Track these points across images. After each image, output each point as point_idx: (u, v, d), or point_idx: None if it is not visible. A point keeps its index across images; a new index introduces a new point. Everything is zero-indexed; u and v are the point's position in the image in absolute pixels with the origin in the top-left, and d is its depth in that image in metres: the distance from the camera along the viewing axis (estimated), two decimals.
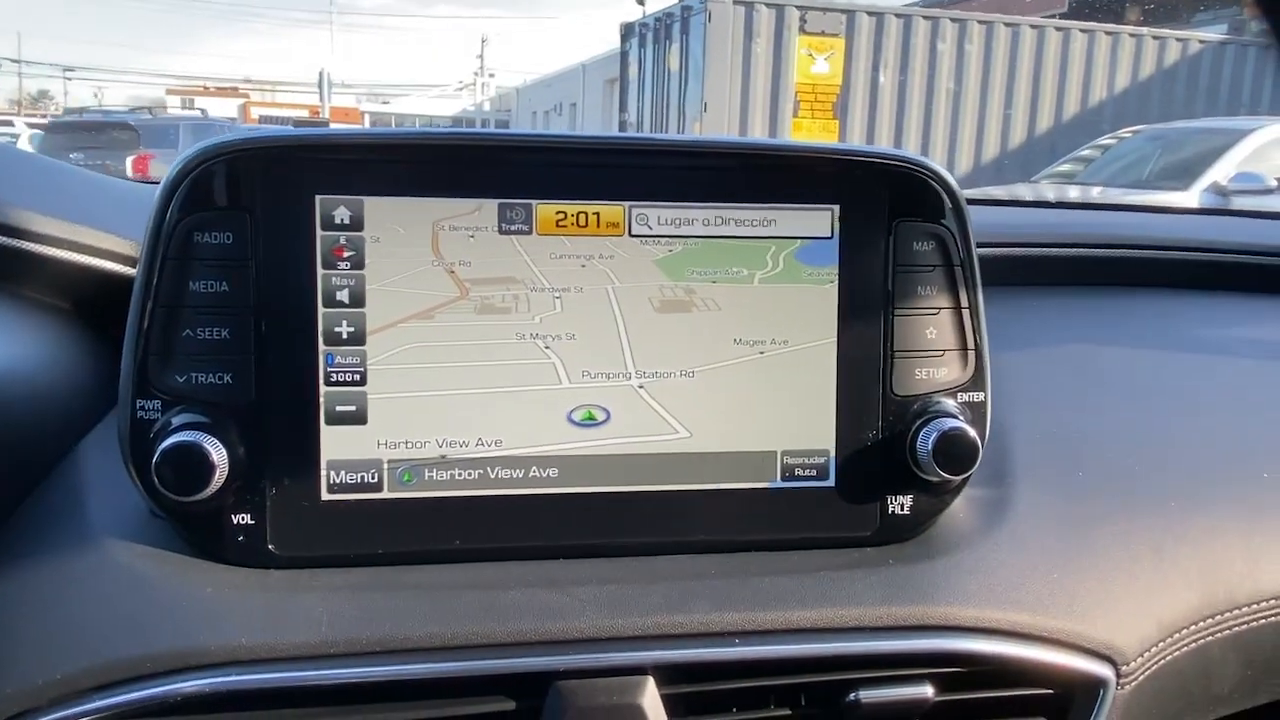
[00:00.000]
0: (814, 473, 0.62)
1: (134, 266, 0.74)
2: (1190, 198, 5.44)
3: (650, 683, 0.55)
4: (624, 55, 11.82)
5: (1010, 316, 0.87)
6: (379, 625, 0.53)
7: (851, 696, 0.56)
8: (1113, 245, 0.97)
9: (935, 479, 0.61)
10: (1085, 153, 7.10)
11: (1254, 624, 0.66)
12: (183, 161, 0.56)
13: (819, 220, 0.61)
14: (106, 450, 0.65)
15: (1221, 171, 5.77)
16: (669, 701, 0.55)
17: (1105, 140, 7.23)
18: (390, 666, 0.52)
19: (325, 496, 0.58)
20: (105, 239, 0.74)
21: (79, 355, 0.73)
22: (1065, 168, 7.02)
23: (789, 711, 0.57)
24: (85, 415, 0.69)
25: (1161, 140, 6.61)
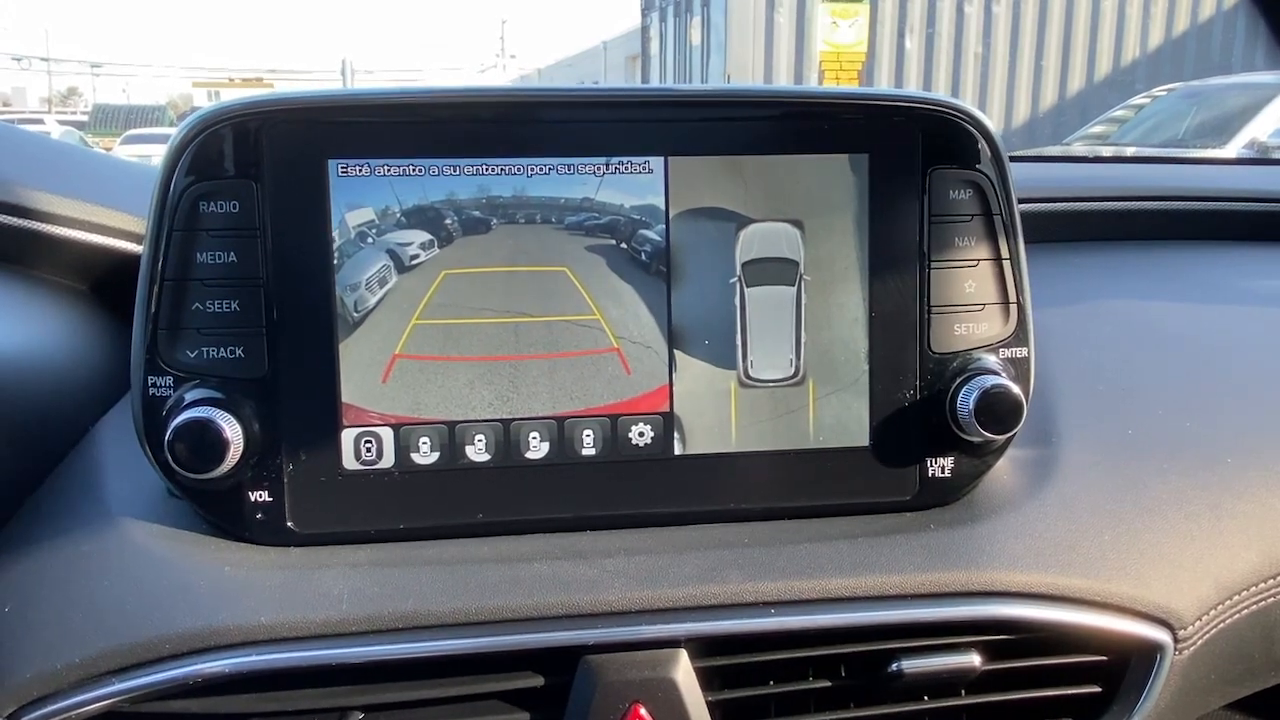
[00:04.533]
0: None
1: None
2: (1228, 155, 5.29)
3: (684, 655, 0.53)
4: (645, 30, 11.73)
5: (1053, 272, 0.83)
6: (401, 601, 0.52)
7: (894, 666, 0.54)
8: (1158, 198, 0.93)
9: (977, 439, 0.59)
10: (1118, 113, 6.93)
11: None
12: (187, 127, 0.54)
13: (850, 167, 0.58)
14: (123, 430, 0.64)
15: (1260, 127, 5.60)
16: (703, 674, 0.53)
17: (1139, 100, 7.04)
18: (413, 644, 0.51)
19: (344, 471, 0.56)
20: (119, 218, 0.73)
21: (96, 335, 0.72)
22: (1098, 129, 6.86)
23: (829, 683, 0.55)
24: (103, 395, 0.68)
25: (1197, 98, 6.42)
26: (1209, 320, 0.81)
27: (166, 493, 0.58)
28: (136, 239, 0.73)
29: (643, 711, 0.52)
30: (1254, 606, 0.61)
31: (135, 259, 0.73)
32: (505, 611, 0.52)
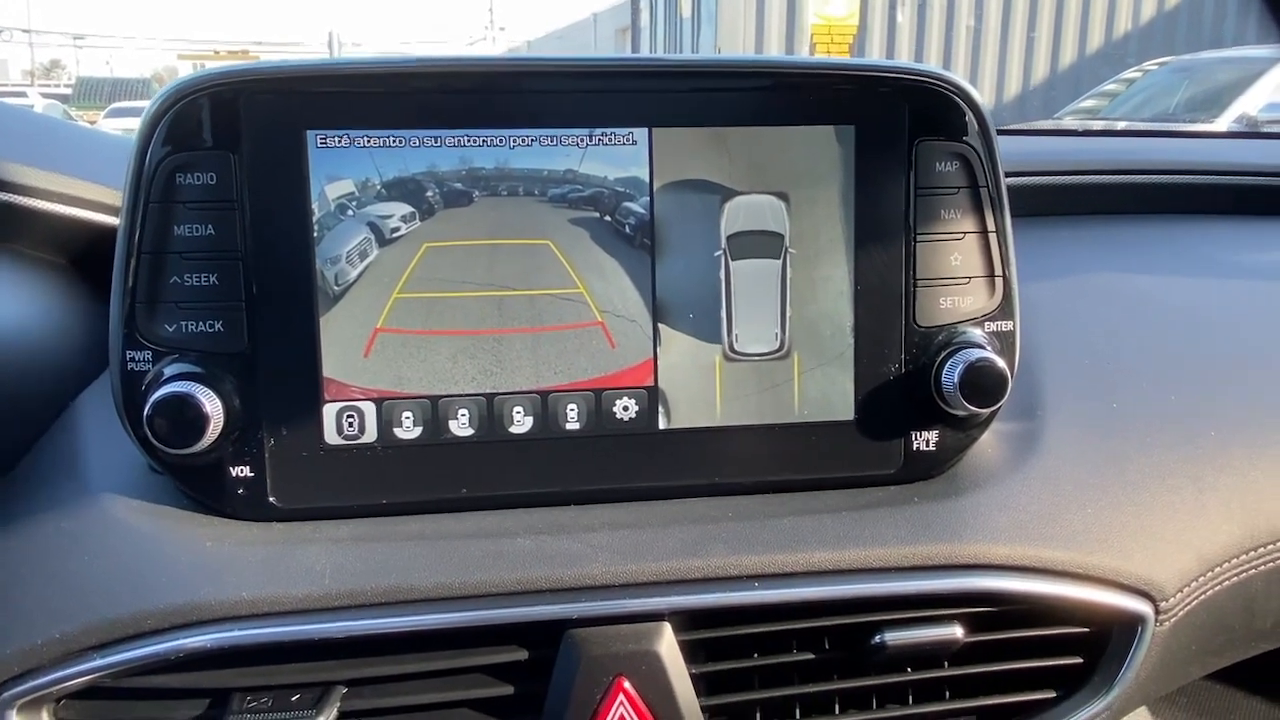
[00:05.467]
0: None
1: None
2: (1218, 129, 5.28)
3: (668, 629, 0.53)
4: (634, 2, 11.61)
5: (1039, 247, 0.83)
6: (384, 576, 0.52)
7: (877, 639, 0.54)
8: (1144, 171, 0.93)
9: (962, 413, 0.58)
10: (1109, 87, 6.91)
11: None
12: (163, 97, 0.53)
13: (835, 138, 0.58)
14: (103, 405, 0.63)
15: (1251, 102, 5.58)
16: (687, 648, 0.53)
17: (1130, 74, 7.02)
18: (397, 618, 0.51)
19: (326, 446, 0.56)
20: (98, 191, 0.72)
21: (75, 310, 0.71)
22: (1089, 103, 6.84)
23: (812, 655, 0.55)
24: (82, 370, 0.67)
25: (1187, 72, 6.40)
26: (1195, 295, 0.81)
27: (147, 468, 0.58)
28: (114, 211, 0.72)
29: (627, 685, 0.52)
30: (1234, 579, 0.61)
31: (113, 232, 0.72)
32: (489, 586, 0.52)
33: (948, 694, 0.57)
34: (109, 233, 0.72)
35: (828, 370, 0.59)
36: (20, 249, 0.72)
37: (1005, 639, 0.57)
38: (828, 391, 0.59)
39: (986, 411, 0.58)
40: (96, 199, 0.71)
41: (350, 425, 0.56)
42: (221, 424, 0.53)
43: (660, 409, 0.58)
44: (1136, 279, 0.81)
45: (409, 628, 0.51)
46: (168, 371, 0.54)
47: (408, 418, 0.56)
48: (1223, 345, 0.73)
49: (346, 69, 0.55)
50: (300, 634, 0.50)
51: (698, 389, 0.58)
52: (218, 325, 0.54)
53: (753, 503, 0.58)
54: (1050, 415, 0.65)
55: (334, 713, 0.50)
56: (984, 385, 0.57)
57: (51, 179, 0.70)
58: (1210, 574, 0.60)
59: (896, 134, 0.58)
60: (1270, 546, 0.62)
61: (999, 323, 0.60)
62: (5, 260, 0.71)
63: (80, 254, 0.74)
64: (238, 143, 0.53)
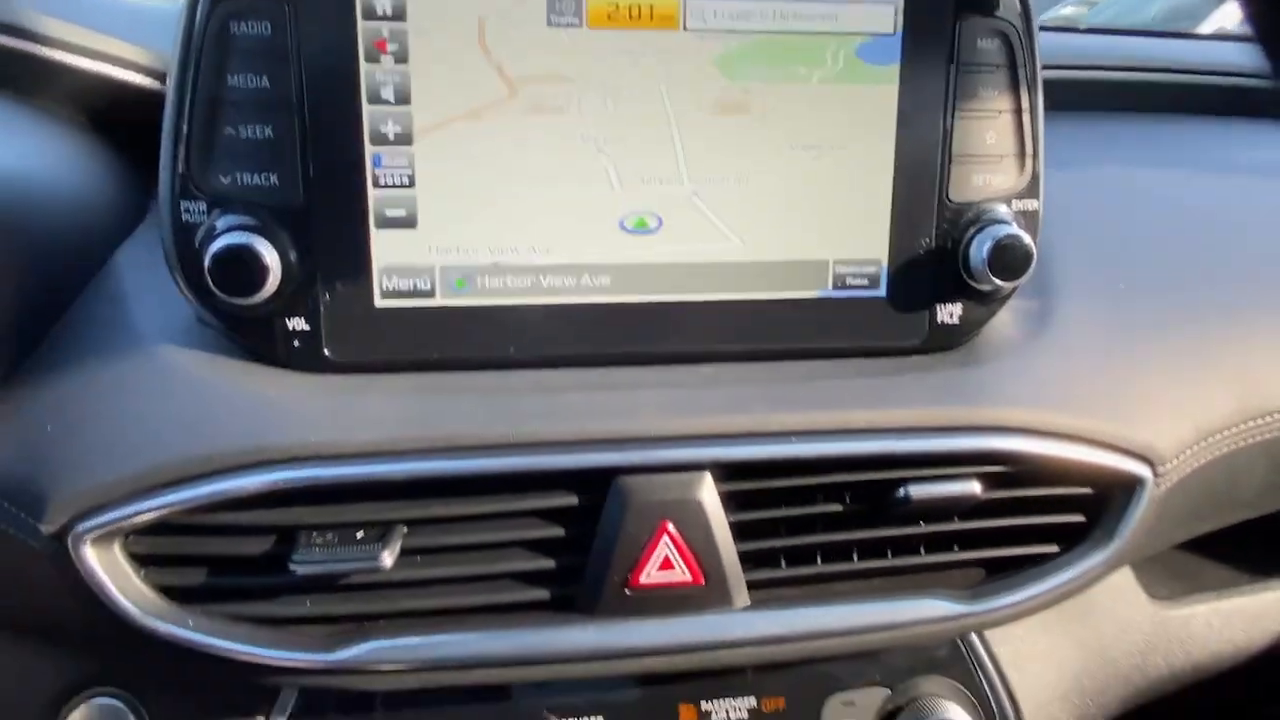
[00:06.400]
0: (865, 282, 0.62)
1: (154, 78, 0.71)
2: (1235, 32, 5.25)
3: (709, 478, 0.56)
4: None
5: (1052, 139, 0.85)
6: (443, 424, 0.54)
7: (900, 492, 0.58)
8: (1155, 70, 0.95)
9: (987, 287, 0.61)
10: None
11: None
12: None
13: (882, 15, 0.58)
14: (142, 264, 0.64)
15: (1228, 14, 5.58)
16: (726, 498, 0.57)
17: None
18: (458, 461, 0.53)
19: (379, 303, 0.57)
20: (125, 48, 0.71)
21: (98, 169, 0.71)
22: (1068, 10, 6.77)
23: (840, 508, 0.59)
24: (111, 230, 0.67)
25: None
26: (1206, 191, 0.83)
27: (196, 321, 0.59)
28: (141, 70, 0.71)
29: (671, 528, 0.55)
30: (1226, 449, 0.66)
31: (138, 91, 0.71)
32: (544, 435, 0.54)
33: (956, 547, 0.61)
34: (133, 91, 0.71)
35: (863, 243, 0.61)
36: (41, 103, 0.71)
37: (1014, 497, 0.61)
38: (862, 265, 0.62)
39: (1011, 285, 0.61)
40: (122, 55, 0.70)
41: (404, 282, 0.57)
42: (279, 276, 0.54)
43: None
44: (1149, 173, 0.84)
45: (469, 471, 0.53)
46: (222, 224, 0.54)
47: (456, 279, 0.58)
48: (1223, 235, 0.77)
49: None
50: (365, 475, 0.52)
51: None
52: (273, 178, 0.55)
53: (787, 368, 0.61)
54: (1064, 294, 0.68)
55: (397, 550, 0.53)
56: (1011, 261, 0.60)
57: (75, 31, 0.69)
58: (1205, 443, 0.64)
59: (942, 8, 0.59)
60: (1257, 421, 0.67)
61: (1025, 201, 0.63)
62: (30, 115, 0.70)
63: (102, 112, 0.73)
64: None
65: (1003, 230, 0.60)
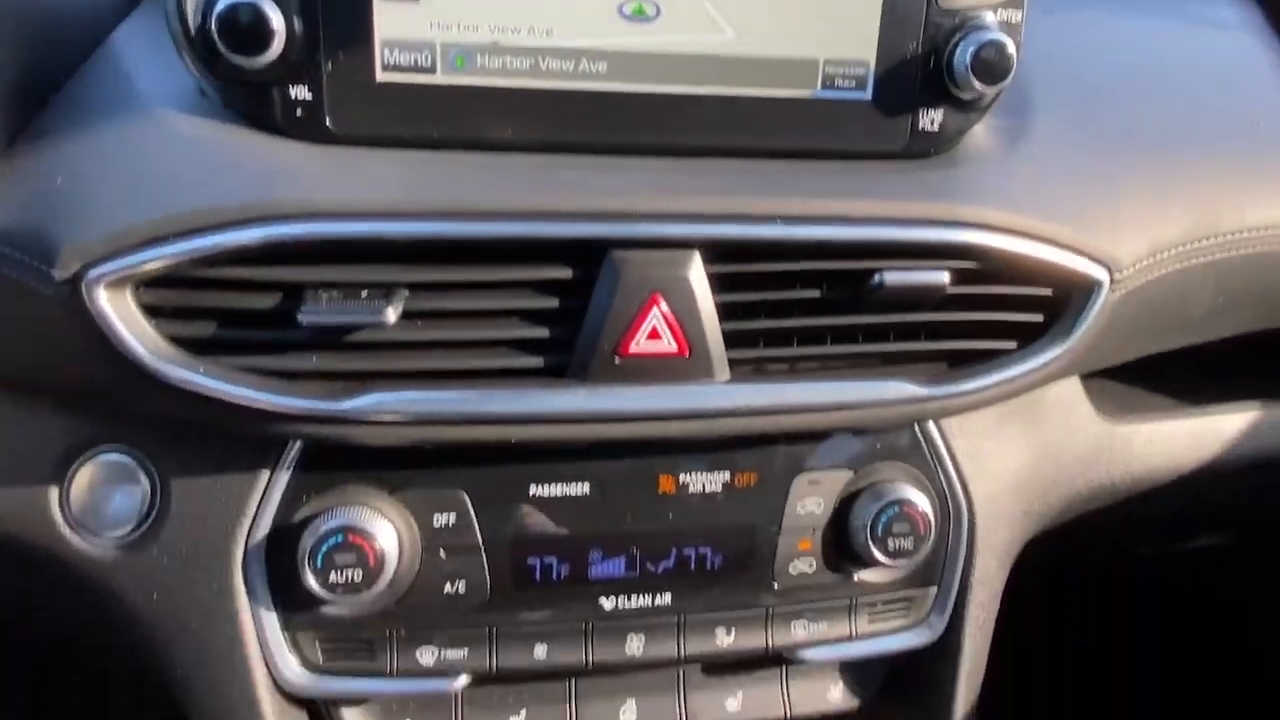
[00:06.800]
0: (853, 84, 0.64)
1: None
2: None
3: (698, 257, 0.59)
4: None
5: None
6: (446, 190, 0.56)
7: (875, 279, 0.61)
8: None
9: (969, 95, 0.64)
10: None
11: (1231, 253, 0.72)
12: None
13: None
14: (142, 36, 0.64)
15: None
16: (713, 279, 0.59)
17: None
18: (459, 224, 0.55)
19: (380, 76, 0.58)
20: None
21: None
22: None
23: (818, 294, 0.62)
24: (107, 9, 0.67)
25: None
26: (1170, 36, 0.86)
27: (198, 92, 0.59)
28: None
29: (660, 301, 0.58)
30: (1178, 265, 0.70)
31: None
32: (543, 204, 0.56)
33: (923, 336, 0.65)
34: None
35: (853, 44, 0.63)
36: None
37: (980, 293, 0.64)
38: (850, 66, 0.64)
39: (992, 90, 0.63)
40: None
41: (405, 57, 0.58)
42: (284, 38, 0.55)
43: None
44: (1125, 21, 0.85)
45: (469, 234, 0.55)
46: None
47: (462, 54, 0.59)
48: (1196, 82, 0.79)
49: None
50: (366, 232, 0.54)
51: None
52: None
53: (775, 163, 0.63)
54: (1038, 114, 0.71)
55: (400, 308, 0.55)
56: (993, 65, 0.62)
57: None
58: (1159, 256, 0.68)
59: None
60: (1211, 239, 0.71)
61: (1010, 11, 0.65)
62: None
63: None
64: None
65: (987, 35, 0.62)
